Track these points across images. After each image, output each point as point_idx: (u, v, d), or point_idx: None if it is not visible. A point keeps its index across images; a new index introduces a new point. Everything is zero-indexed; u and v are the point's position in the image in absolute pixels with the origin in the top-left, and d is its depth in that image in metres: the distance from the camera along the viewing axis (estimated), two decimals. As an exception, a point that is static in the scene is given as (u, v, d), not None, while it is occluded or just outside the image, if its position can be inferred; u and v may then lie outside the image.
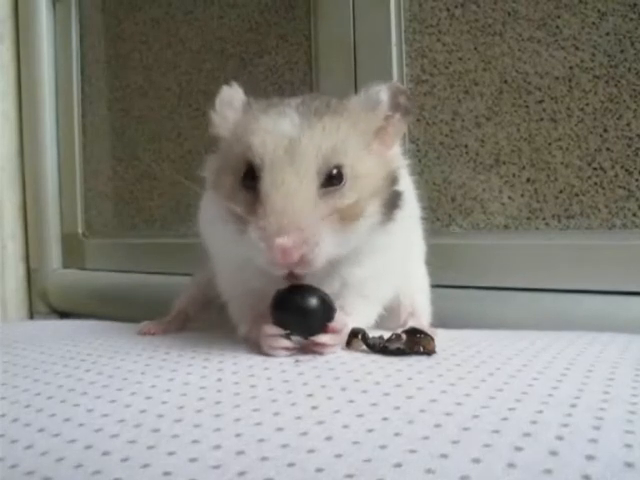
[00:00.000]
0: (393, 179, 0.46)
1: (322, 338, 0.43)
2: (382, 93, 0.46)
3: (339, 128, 0.43)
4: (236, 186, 0.43)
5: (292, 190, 0.40)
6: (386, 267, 0.49)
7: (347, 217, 0.42)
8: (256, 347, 0.44)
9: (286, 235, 0.38)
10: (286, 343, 0.43)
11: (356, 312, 0.48)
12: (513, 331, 0.56)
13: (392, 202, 0.46)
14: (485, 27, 0.69)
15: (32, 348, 0.51)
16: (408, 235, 0.53)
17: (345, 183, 0.42)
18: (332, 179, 0.42)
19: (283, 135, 0.42)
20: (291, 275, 0.41)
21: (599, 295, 0.61)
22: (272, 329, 0.43)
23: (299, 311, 0.42)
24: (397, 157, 0.49)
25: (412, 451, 0.27)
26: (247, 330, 0.48)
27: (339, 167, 0.42)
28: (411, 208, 0.53)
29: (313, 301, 0.43)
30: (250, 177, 0.42)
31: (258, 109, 0.46)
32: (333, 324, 0.43)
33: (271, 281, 0.43)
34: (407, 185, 0.52)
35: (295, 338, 0.44)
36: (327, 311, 0.44)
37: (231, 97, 0.49)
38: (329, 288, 0.45)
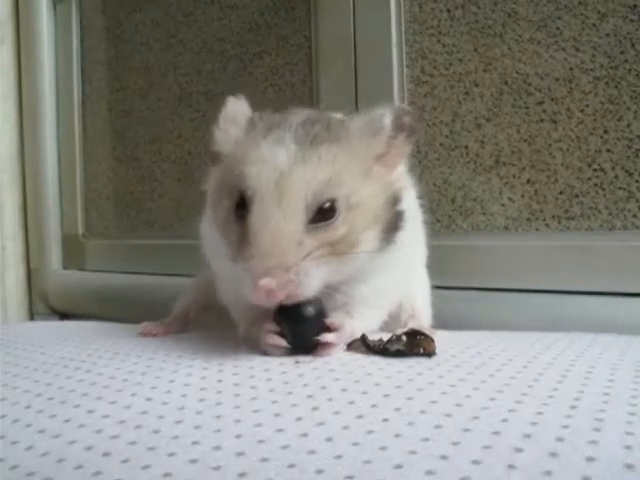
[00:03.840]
0: (394, 201, 0.45)
1: (327, 337, 0.43)
2: (385, 117, 0.45)
3: (336, 158, 0.42)
4: (230, 214, 0.43)
5: (278, 230, 0.40)
6: (391, 282, 0.49)
7: (340, 249, 0.42)
8: (256, 346, 0.45)
9: (270, 277, 0.39)
10: (280, 341, 0.43)
11: (361, 317, 0.47)
12: (513, 332, 0.56)
13: (393, 225, 0.45)
14: (485, 28, 0.69)
15: (32, 349, 0.51)
16: (412, 251, 0.52)
17: (338, 216, 0.42)
18: (324, 213, 0.41)
19: (275, 168, 0.41)
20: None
21: (599, 296, 0.61)
22: (271, 325, 0.43)
23: (292, 329, 0.43)
24: (401, 178, 0.48)
25: (412, 452, 0.27)
26: (247, 329, 0.48)
27: (332, 200, 0.41)
28: (413, 223, 0.51)
29: (306, 314, 0.42)
30: (242, 207, 0.42)
31: (260, 130, 0.45)
32: (331, 321, 0.43)
33: None
34: (410, 201, 0.51)
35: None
36: (317, 324, 0.43)
37: (235, 113, 0.48)
38: (333, 301, 0.45)
